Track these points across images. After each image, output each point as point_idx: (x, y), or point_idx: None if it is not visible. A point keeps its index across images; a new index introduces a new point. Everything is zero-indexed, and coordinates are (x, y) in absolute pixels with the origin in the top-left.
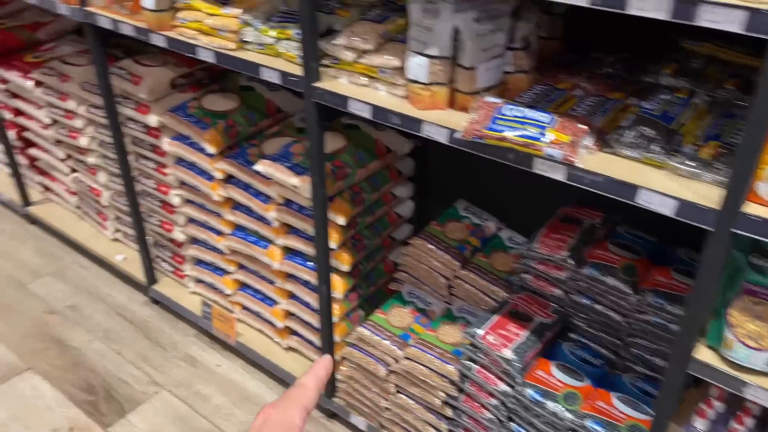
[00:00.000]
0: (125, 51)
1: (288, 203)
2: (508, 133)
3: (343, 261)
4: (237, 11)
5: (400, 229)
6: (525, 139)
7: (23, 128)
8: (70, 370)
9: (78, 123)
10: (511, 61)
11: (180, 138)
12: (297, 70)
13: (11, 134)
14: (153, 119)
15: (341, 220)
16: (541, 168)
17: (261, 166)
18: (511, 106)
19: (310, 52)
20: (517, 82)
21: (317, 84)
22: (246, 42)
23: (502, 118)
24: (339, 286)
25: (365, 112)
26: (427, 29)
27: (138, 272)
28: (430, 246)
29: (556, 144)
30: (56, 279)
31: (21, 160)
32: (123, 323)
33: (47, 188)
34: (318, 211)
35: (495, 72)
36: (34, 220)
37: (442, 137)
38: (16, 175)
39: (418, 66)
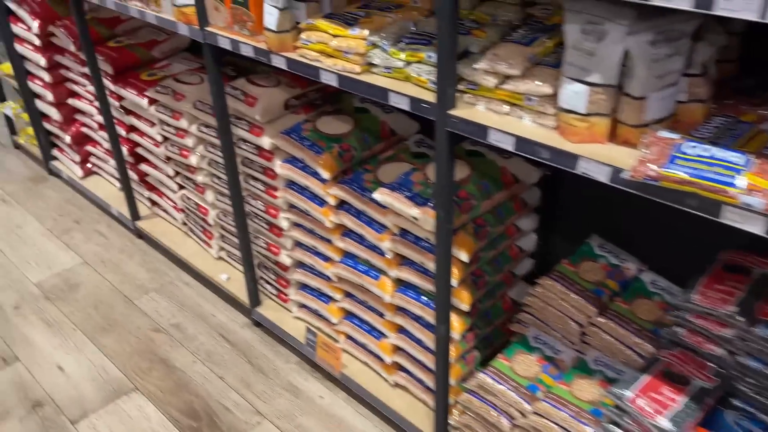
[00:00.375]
0: (236, 69)
1: (404, 234)
2: (691, 176)
3: (463, 299)
4: (364, 32)
5: (522, 263)
6: (713, 183)
7: (135, 144)
8: (175, 393)
9: (189, 141)
10: (685, 89)
11: (293, 161)
12: (429, 97)
13: (123, 149)
14: (266, 141)
15: (464, 256)
16: (731, 218)
17: (379, 195)
18: (694, 144)
19: (447, 76)
20: (691, 112)
21: (453, 112)
22: (372, 65)
23: (682, 157)
24: (457, 325)
25: (507, 143)
26: (588, 53)
27: (241, 293)
28: (561, 288)
29: (755, 190)
30: (161, 296)
31: (131, 174)
32: (225, 345)
33: (155, 203)
34: (441, 246)
35: (667, 102)
36: (141, 234)
37: (602, 176)
38: (127, 190)
39: (575, 94)
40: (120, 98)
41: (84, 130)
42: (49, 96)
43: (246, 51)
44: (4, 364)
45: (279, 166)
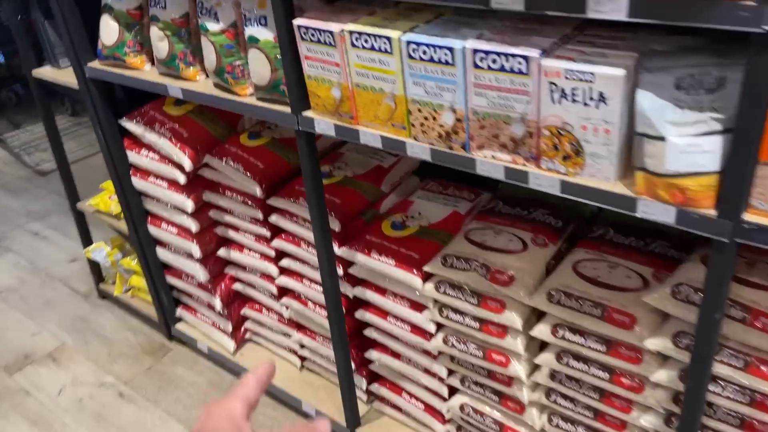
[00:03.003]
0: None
1: None
2: None
3: None
4: None
5: None
6: None
7: (358, 323)
8: None
9: (516, 344)
10: None
11: None
12: None
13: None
14: None
15: None
16: None
17: None
18: None
19: None
20: None
21: None
22: None
23: None
24: None
25: None
26: None
27: None
28: None
29: None
30: None
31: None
32: None
33: (376, 396)
34: None
35: None
36: None
37: None
38: (348, 390)
39: None
40: (347, 263)
41: (237, 287)
42: (194, 249)
43: None
44: None
45: None
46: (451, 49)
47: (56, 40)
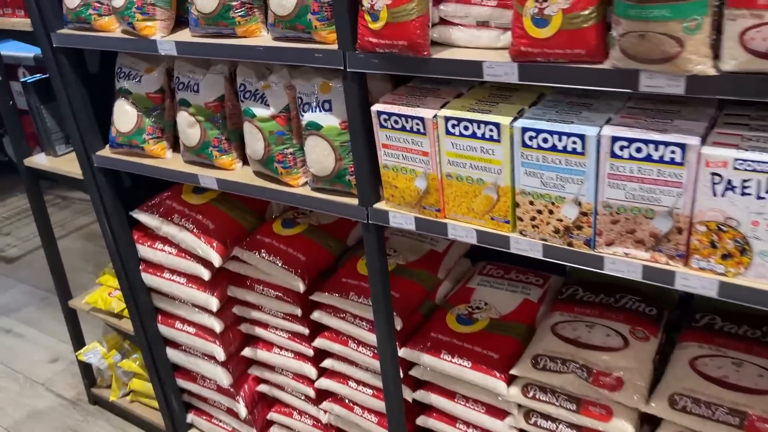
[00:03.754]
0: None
1: None
2: None
3: None
4: None
5: None
6: None
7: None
8: None
9: None
10: None
11: None
12: None
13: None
14: None
15: None
16: None
17: None
18: None
19: None
20: None
21: None
22: None
23: None
24: None
25: None
26: None
27: None
28: None
29: None
30: None
31: None
32: None
33: None
34: None
35: None
36: None
37: None
38: None
39: None
40: (406, 364)
41: (263, 389)
42: (217, 351)
43: None
44: None
45: None
46: (582, 137)
47: (53, 125)
